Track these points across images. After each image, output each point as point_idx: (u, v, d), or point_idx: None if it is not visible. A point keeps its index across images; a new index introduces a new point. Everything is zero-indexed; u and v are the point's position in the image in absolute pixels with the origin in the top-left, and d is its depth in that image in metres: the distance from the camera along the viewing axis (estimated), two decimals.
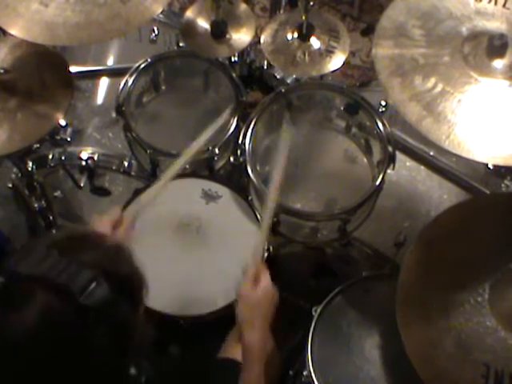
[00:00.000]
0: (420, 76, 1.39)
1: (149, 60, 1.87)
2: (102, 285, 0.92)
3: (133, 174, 1.92)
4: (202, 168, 1.84)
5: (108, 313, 0.92)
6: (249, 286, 1.37)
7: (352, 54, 2.78)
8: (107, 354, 0.93)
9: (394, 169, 1.70)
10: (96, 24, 1.50)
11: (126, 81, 1.84)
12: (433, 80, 1.38)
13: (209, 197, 1.76)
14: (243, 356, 1.36)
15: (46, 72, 1.67)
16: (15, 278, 0.91)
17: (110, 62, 2.11)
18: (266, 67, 2.01)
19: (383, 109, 1.87)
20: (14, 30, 1.50)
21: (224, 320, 1.60)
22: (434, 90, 1.37)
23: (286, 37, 1.76)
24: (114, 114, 1.84)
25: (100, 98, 2.06)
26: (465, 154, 1.32)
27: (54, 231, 2.01)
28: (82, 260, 0.93)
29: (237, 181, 1.86)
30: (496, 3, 1.47)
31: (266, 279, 1.38)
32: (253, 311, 1.35)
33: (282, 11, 1.95)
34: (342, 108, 1.84)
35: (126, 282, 0.97)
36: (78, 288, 0.90)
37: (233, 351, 1.48)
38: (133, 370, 1.05)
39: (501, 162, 1.35)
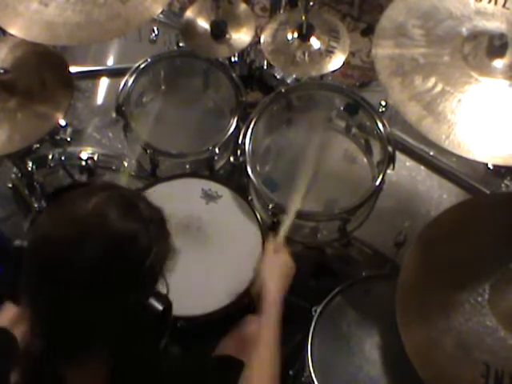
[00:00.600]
0: (420, 76, 1.39)
1: (149, 60, 1.88)
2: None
3: (133, 174, 1.92)
4: (202, 168, 1.84)
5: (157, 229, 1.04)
6: (272, 253, 1.51)
7: (352, 54, 2.78)
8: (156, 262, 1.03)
9: (393, 169, 1.70)
10: (96, 24, 1.50)
11: (126, 81, 1.84)
12: (433, 80, 1.38)
13: (209, 197, 1.76)
14: (264, 311, 1.40)
15: (46, 72, 1.67)
16: None
17: (110, 62, 2.12)
18: (266, 67, 2.01)
19: (383, 109, 1.87)
20: (14, 30, 1.50)
21: (224, 320, 1.60)
22: (434, 89, 1.37)
23: (286, 37, 1.76)
24: (114, 114, 1.84)
25: (100, 98, 2.06)
26: (465, 154, 1.32)
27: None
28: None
29: (237, 181, 1.86)
30: (496, 3, 1.47)
31: (285, 253, 1.53)
32: (274, 272, 1.47)
33: (282, 11, 1.95)
34: (341, 108, 1.84)
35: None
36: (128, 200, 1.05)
37: (231, 348, 1.48)
38: (159, 306, 1.09)
39: (501, 161, 1.36)
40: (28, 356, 1.04)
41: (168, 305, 1.08)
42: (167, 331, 1.11)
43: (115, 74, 2.02)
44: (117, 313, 1.01)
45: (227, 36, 1.77)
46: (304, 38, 1.74)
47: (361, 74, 2.81)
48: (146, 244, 1.01)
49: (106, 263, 0.98)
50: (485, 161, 1.45)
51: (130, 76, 1.85)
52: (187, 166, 1.86)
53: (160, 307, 1.06)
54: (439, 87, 1.37)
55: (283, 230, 1.57)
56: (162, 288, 1.10)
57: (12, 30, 1.50)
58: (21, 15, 1.50)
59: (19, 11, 1.50)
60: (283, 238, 1.56)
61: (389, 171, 1.69)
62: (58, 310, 0.99)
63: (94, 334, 1.02)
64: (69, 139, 1.87)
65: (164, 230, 1.08)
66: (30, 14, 1.50)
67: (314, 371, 1.56)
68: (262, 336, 1.36)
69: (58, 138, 1.85)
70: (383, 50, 1.44)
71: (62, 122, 1.79)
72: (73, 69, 1.73)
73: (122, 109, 1.80)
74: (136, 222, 1.02)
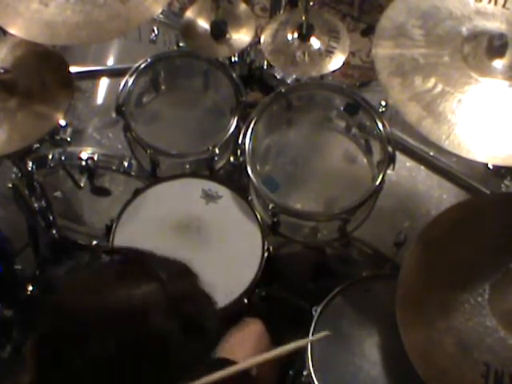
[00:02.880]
0: (420, 76, 1.39)
1: (149, 60, 1.87)
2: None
3: (133, 174, 1.92)
4: (202, 168, 1.84)
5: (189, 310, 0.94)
6: None
7: (352, 54, 2.78)
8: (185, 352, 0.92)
9: (393, 169, 1.70)
10: (96, 24, 1.50)
11: (126, 81, 1.84)
12: (433, 80, 1.38)
13: (209, 197, 1.76)
14: None
15: (46, 72, 1.67)
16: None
17: (110, 62, 2.11)
18: (266, 67, 2.01)
19: (383, 109, 1.87)
20: (14, 30, 1.50)
21: (224, 320, 1.60)
22: (434, 90, 1.37)
23: (286, 37, 1.76)
24: (114, 114, 1.83)
25: (100, 98, 2.05)
26: (465, 154, 1.33)
27: None
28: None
29: (237, 181, 1.86)
30: (496, 3, 1.47)
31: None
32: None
33: (282, 11, 1.95)
34: (341, 108, 1.84)
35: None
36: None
37: (229, 350, 1.48)
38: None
39: (501, 162, 1.36)
40: None
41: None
42: None
43: (115, 74, 2.02)
44: None
45: (227, 36, 1.77)
46: (304, 38, 1.74)
47: (361, 73, 2.81)
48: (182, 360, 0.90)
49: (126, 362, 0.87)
50: (485, 161, 1.45)
51: (130, 76, 1.84)
52: (187, 166, 1.86)
53: None
54: (439, 87, 1.37)
55: None
56: None
57: (12, 30, 1.50)
58: (21, 15, 1.49)
59: (19, 11, 1.50)
60: None
61: (389, 171, 1.69)
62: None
63: None
64: (69, 139, 1.87)
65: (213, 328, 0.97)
66: (30, 13, 1.50)
67: (313, 371, 1.56)
68: None
69: (58, 137, 1.85)
70: (383, 50, 1.44)
71: (62, 122, 1.79)
72: (73, 69, 1.73)
73: (122, 109, 1.80)
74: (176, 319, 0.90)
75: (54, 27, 1.49)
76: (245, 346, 1.50)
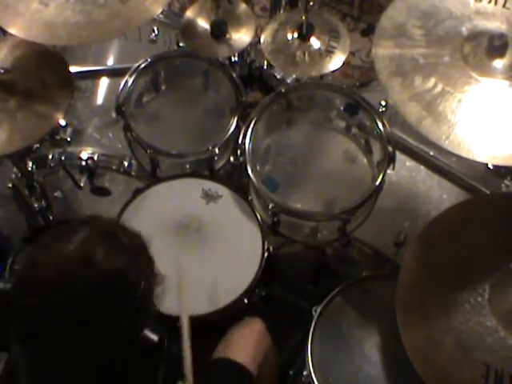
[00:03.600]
0: (420, 76, 1.39)
1: (149, 60, 1.87)
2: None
3: (133, 174, 1.92)
4: (202, 168, 1.84)
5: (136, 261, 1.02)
6: None
7: (352, 54, 2.78)
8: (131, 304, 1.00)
9: (394, 169, 1.70)
10: (96, 24, 1.50)
11: (126, 81, 1.84)
12: (433, 80, 1.38)
13: (209, 197, 1.76)
14: None
15: (46, 72, 1.67)
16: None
17: (110, 62, 2.11)
18: (266, 67, 2.01)
19: (383, 109, 1.87)
20: (14, 30, 1.50)
21: (224, 320, 1.60)
22: (434, 90, 1.37)
23: (286, 37, 1.76)
24: (114, 114, 1.84)
25: (100, 98, 2.05)
26: (465, 154, 1.33)
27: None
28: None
29: (237, 181, 1.86)
30: (496, 3, 1.47)
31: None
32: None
33: (282, 11, 1.95)
34: (341, 108, 1.84)
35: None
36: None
37: (230, 351, 1.48)
38: (154, 337, 1.08)
39: (501, 162, 1.36)
40: None
41: (163, 334, 1.06)
42: (164, 360, 1.09)
43: (115, 73, 2.02)
44: (113, 349, 0.99)
45: (227, 36, 1.77)
46: (304, 38, 1.74)
47: (361, 73, 2.81)
48: (134, 277, 1.00)
49: (97, 304, 0.96)
50: (485, 161, 1.45)
51: (130, 76, 1.85)
52: (187, 166, 1.86)
53: (155, 338, 1.04)
54: (439, 87, 1.37)
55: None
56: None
57: (12, 30, 1.50)
58: (21, 15, 1.50)
59: (19, 11, 1.50)
60: None
61: (389, 171, 1.69)
62: (49, 354, 0.96)
63: (90, 374, 0.99)
64: (69, 139, 1.87)
65: (148, 256, 1.06)
66: (30, 13, 1.50)
67: (313, 371, 1.56)
68: None
69: (58, 137, 1.85)
70: (383, 50, 1.44)
71: (62, 122, 1.78)
72: (73, 69, 1.73)
73: (122, 109, 1.80)
74: (122, 257, 0.99)
75: (54, 27, 1.49)
76: (245, 346, 1.50)
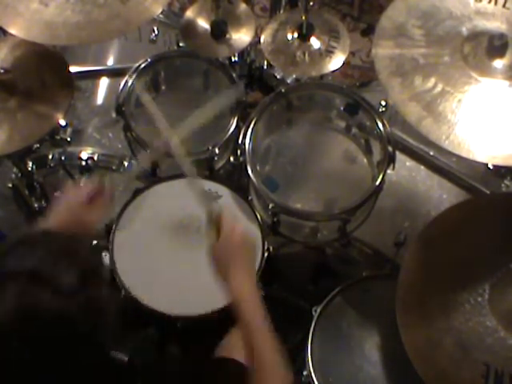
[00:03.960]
0: (420, 76, 1.39)
1: (149, 60, 1.87)
2: (68, 268, 0.93)
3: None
4: (202, 168, 1.84)
5: (81, 292, 0.92)
6: (213, 235, 1.30)
7: (352, 54, 2.78)
8: (86, 331, 0.93)
9: (394, 169, 1.70)
10: (96, 24, 1.50)
11: (126, 81, 1.84)
12: (433, 80, 1.38)
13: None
14: (237, 314, 1.25)
15: (46, 72, 1.67)
16: None
17: (110, 62, 2.11)
18: (266, 67, 2.01)
19: (383, 109, 1.87)
20: (14, 30, 1.50)
21: (224, 320, 1.60)
22: (434, 90, 1.37)
23: (286, 37, 1.76)
24: (114, 114, 1.84)
25: (100, 98, 2.05)
26: (465, 154, 1.32)
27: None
28: (44, 248, 0.95)
29: (237, 181, 1.86)
30: (496, 3, 1.47)
31: (226, 225, 1.29)
32: (223, 260, 1.27)
33: (282, 11, 1.95)
34: (341, 108, 1.84)
35: (88, 265, 0.97)
36: (47, 271, 0.91)
37: (229, 349, 1.48)
38: (123, 356, 1.05)
39: (501, 162, 1.35)
40: None
41: (132, 352, 1.03)
42: (139, 377, 1.07)
43: (115, 73, 2.02)
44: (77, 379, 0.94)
45: (227, 36, 1.77)
46: (304, 38, 1.74)
47: (361, 73, 2.81)
48: (83, 318, 0.92)
49: (45, 352, 0.89)
50: (485, 161, 1.45)
51: (130, 76, 1.85)
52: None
53: (125, 357, 1.02)
54: (439, 87, 1.37)
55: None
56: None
57: (12, 30, 1.50)
58: (21, 15, 1.50)
59: (19, 11, 1.50)
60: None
61: (389, 171, 1.69)
62: None
63: None
64: (69, 139, 1.88)
65: (99, 284, 0.97)
66: (29, 13, 1.50)
67: (313, 371, 1.57)
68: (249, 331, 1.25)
69: (58, 137, 1.85)
70: (383, 50, 1.44)
71: (62, 122, 1.79)
72: (73, 69, 1.73)
73: (122, 109, 1.80)
74: (66, 297, 0.90)
75: (54, 27, 1.49)
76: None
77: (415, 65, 1.40)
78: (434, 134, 1.33)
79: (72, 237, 1.01)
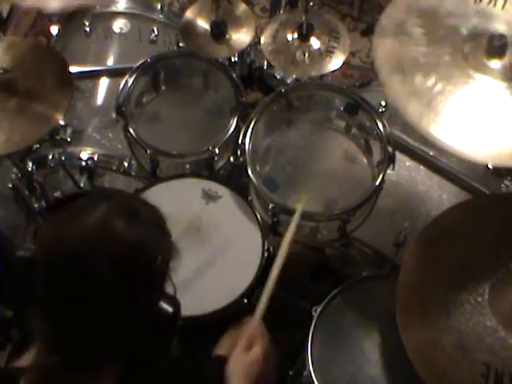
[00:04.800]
0: (420, 74, 1.39)
1: (149, 60, 1.88)
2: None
3: (133, 174, 1.92)
4: (202, 168, 1.84)
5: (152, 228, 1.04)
6: (240, 349, 1.31)
7: (352, 54, 2.78)
8: (151, 262, 1.02)
9: (393, 169, 1.70)
10: None
11: (126, 81, 1.84)
12: (433, 79, 1.38)
13: (209, 197, 1.76)
14: None
15: (46, 72, 1.67)
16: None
17: (110, 62, 2.12)
18: (266, 67, 2.01)
19: (383, 109, 1.87)
20: None
21: (224, 320, 1.60)
22: (434, 88, 1.37)
23: (286, 37, 1.76)
24: (114, 114, 1.84)
25: (100, 98, 2.06)
26: (464, 155, 1.32)
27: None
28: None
29: (237, 181, 1.86)
30: (495, 4, 1.46)
31: (260, 344, 1.32)
32: (243, 376, 1.29)
33: (282, 11, 1.95)
34: (342, 108, 1.84)
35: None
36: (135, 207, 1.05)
37: (229, 349, 1.47)
38: (170, 308, 1.11)
39: (501, 162, 1.35)
40: (40, 370, 1.02)
41: (177, 306, 1.07)
42: (177, 333, 1.11)
43: (115, 73, 2.02)
44: (132, 321, 1.01)
45: (227, 36, 1.77)
46: (304, 37, 1.74)
47: (361, 73, 2.81)
48: (153, 248, 1.02)
49: (119, 273, 0.98)
50: (485, 161, 1.44)
51: (130, 76, 1.85)
52: (187, 166, 1.86)
53: (170, 309, 1.06)
54: (439, 86, 1.37)
55: (259, 311, 1.39)
56: (169, 289, 1.10)
57: None
58: None
59: None
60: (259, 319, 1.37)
61: (389, 171, 1.69)
62: (72, 322, 0.99)
63: (109, 346, 1.01)
64: (69, 139, 1.88)
65: (165, 229, 1.08)
66: None
67: (313, 371, 1.56)
68: None
69: (58, 138, 1.85)
70: (384, 48, 1.43)
71: (62, 122, 1.79)
72: (73, 69, 1.73)
73: (122, 109, 1.80)
74: (141, 229, 1.02)
75: None
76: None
77: (415, 63, 1.40)
78: (434, 134, 1.33)
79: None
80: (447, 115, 1.34)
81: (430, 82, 1.37)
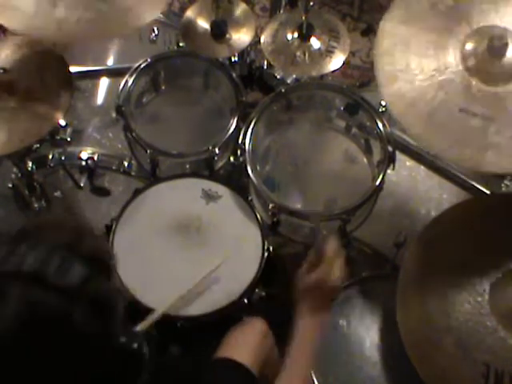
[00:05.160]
0: (420, 74, 1.39)
1: (149, 60, 1.87)
2: (73, 264, 0.91)
3: (133, 173, 1.92)
4: (202, 168, 1.84)
5: (85, 288, 0.90)
6: (305, 269, 1.36)
7: (352, 54, 2.78)
8: (92, 327, 0.91)
9: (394, 169, 1.70)
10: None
11: (126, 81, 1.84)
12: (433, 79, 1.38)
13: (209, 197, 1.76)
14: (289, 345, 1.32)
15: (46, 72, 1.67)
16: None
17: (110, 62, 2.12)
18: (265, 67, 2.01)
19: (383, 109, 1.87)
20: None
21: (224, 320, 1.60)
22: (434, 88, 1.37)
23: (286, 37, 1.76)
24: (114, 114, 1.84)
25: (100, 98, 2.06)
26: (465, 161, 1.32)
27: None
28: (48, 244, 0.93)
29: (237, 181, 1.86)
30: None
31: (322, 270, 1.34)
32: (301, 295, 1.34)
33: (281, 11, 1.95)
34: (342, 108, 1.84)
35: (95, 255, 0.94)
36: (50, 272, 0.89)
37: (231, 351, 1.47)
38: (122, 339, 1.04)
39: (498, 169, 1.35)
40: None
41: (140, 339, 1.04)
42: (146, 366, 1.08)
43: (115, 73, 2.02)
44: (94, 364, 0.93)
45: (227, 36, 1.77)
46: (304, 37, 1.74)
47: (361, 73, 2.81)
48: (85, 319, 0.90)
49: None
50: (485, 169, 1.43)
51: (130, 76, 1.85)
52: (187, 166, 1.86)
53: (134, 345, 1.03)
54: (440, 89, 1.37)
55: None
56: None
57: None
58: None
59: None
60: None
61: (389, 171, 1.69)
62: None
63: None
64: (69, 139, 1.87)
65: (107, 274, 0.95)
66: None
67: (313, 371, 1.56)
68: (294, 362, 1.31)
69: (58, 138, 1.85)
70: (384, 47, 1.44)
71: (62, 122, 1.78)
72: (73, 69, 1.73)
73: (122, 109, 1.80)
74: (73, 298, 0.89)
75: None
76: (247, 346, 1.49)
77: (415, 63, 1.40)
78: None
79: (76, 228, 0.99)
80: (447, 117, 1.34)
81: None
